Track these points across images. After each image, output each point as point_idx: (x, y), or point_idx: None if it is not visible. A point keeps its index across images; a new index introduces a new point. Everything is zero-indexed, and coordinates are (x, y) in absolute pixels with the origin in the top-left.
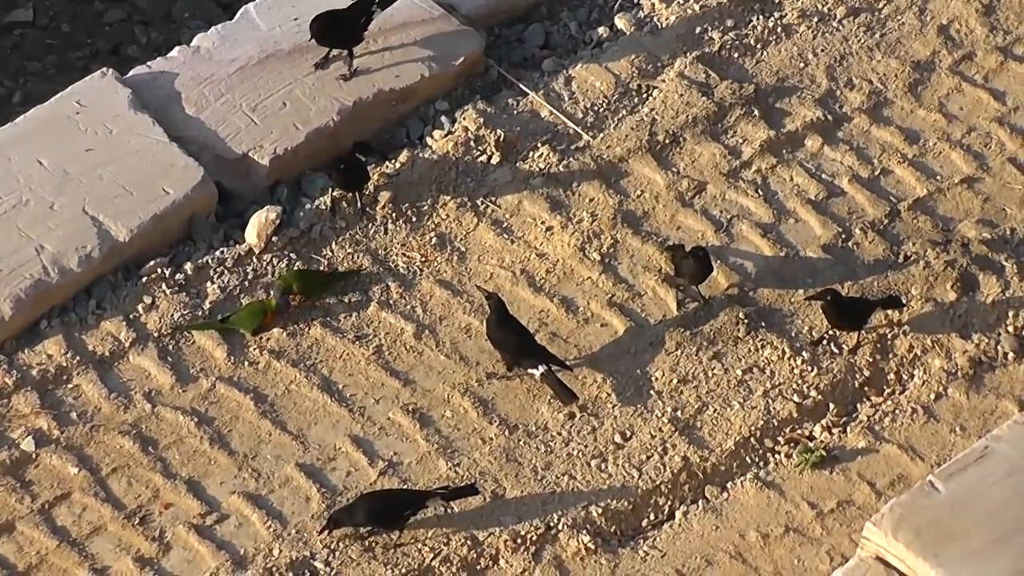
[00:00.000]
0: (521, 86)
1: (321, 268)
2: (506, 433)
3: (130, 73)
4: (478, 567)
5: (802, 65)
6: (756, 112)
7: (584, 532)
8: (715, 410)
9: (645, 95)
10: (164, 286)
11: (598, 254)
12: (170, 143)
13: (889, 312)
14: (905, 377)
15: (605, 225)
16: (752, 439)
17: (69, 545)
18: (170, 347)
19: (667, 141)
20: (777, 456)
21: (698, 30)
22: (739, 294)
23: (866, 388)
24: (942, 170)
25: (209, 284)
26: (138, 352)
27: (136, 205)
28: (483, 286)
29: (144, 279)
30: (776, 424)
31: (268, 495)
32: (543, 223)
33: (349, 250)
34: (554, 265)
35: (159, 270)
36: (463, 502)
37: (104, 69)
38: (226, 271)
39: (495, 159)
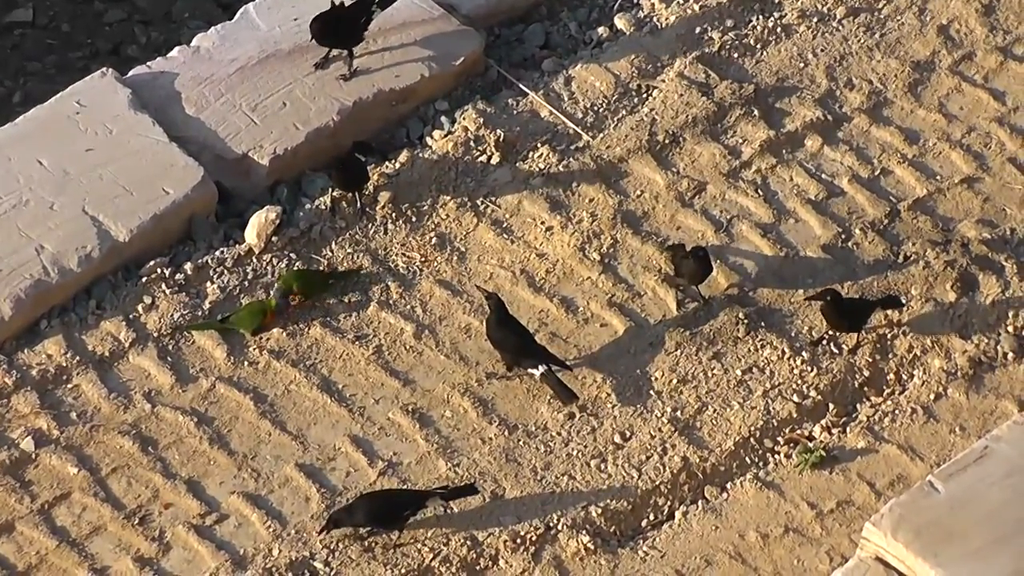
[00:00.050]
0: (521, 86)
1: (321, 268)
2: (506, 433)
3: (130, 73)
4: (478, 567)
5: (802, 65)
6: (756, 112)
7: (584, 532)
8: (715, 410)
9: (645, 95)
10: (164, 286)
11: (598, 254)
12: (170, 143)
13: (889, 312)
14: (905, 377)
15: (605, 225)
16: (752, 439)
17: (69, 545)
18: (170, 347)
19: (667, 141)
20: (777, 456)
21: (698, 30)
22: (739, 294)
23: (866, 388)
24: (942, 170)
25: (209, 284)
26: (138, 352)
27: (136, 205)
28: (483, 286)
29: (144, 279)
30: (776, 424)
31: (268, 495)
32: (543, 223)
33: (349, 250)
34: (554, 265)
35: (159, 270)
36: (463, 502)
37: (104, 69)
38: (226, 271)
39: (495, 159)
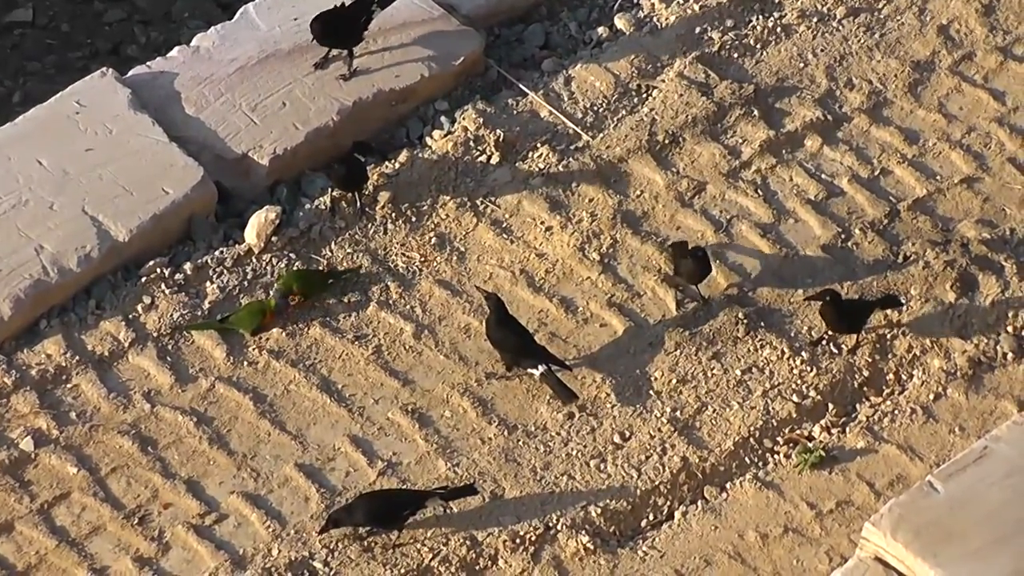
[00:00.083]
0: (521, 86)
1: (321, 268)
2: (505, 433)
3: (130, 73)
4: (477, 567)
5: (802, 65)
6: (756, 112)
7: (583, 532)
8: (714, 410)
9: (645, 95)
10: (163, 286)
11: (597, 254)
12: (170, 143)
13: (888, 312)
14: (904, 377)
15: (604, 225)
16: (751, 439)
17: (68, 545)
18: (169, 347)
19: (667, 141)
20: (776, 456)
21: (698, 30)
22: (738, 294)
23: (865, 388)
24: (942, 170)
25: (208, 284)
26: (137, 352)
27: (136, 205)
28: (483, 286)
29: (143, 279)
30: (775, 424)
31: (267, 495)
32: (542, 223)
33: (349, 250)
34: (553, 265)
35: (158, 270)
36: (462, 502)
37: (104, 69)
38: (225, 271)
39: (495, 159)
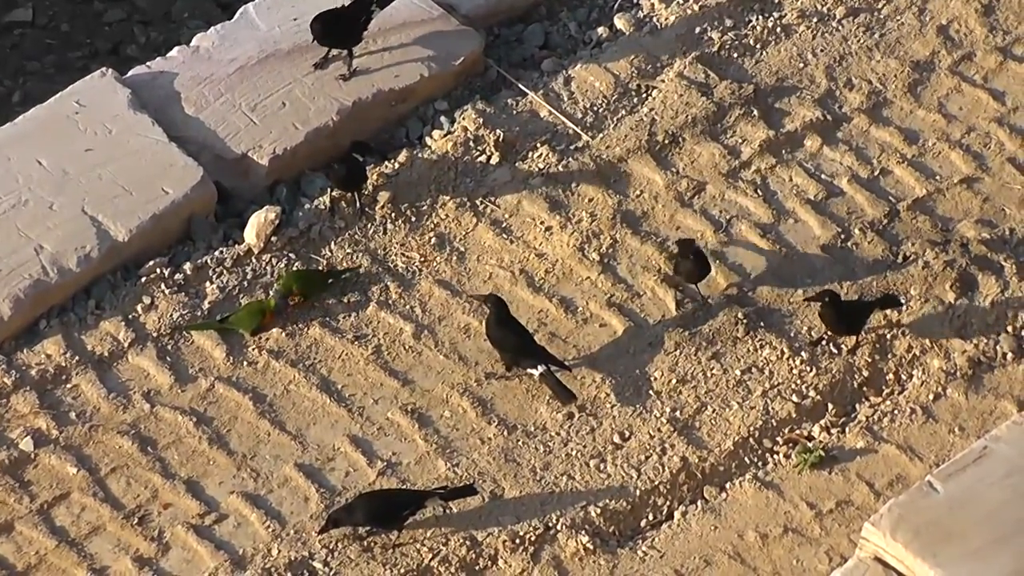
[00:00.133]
0: (520, 86)
1: (320, 268)
2: (505, 433)
3: (129, 73)
4: (477, 567)
5: (801, 65)
6: (755, 112)
7: (583, 532)
8: (714, 410)
9: (644, 95)
10: (163, 286)
11: (597, 254)
12: (169, 143)
13: (888, 312)
14: (904, 377)
15: (604, 225)
16: (751, 439)
17: (68, 545)
18: (169, 347)
19: (666, 141)
20: (776, 456)
21: (697, 30)
22: (738, 294)
23: (865, 388)
24: (941, 170)
25: (208, 284)
26: (137, 352)
27: (135, 205)
28: (480, 291)
29: (143, 279)
30: (775, 424)
31: (267, 495)
32: (542, 223)
33: (348, 250)
34: (553, 265)
35: (158, 270)
36: (462, 502)
37: (103, 69)
38: (225, 271)
39: (494, 159)
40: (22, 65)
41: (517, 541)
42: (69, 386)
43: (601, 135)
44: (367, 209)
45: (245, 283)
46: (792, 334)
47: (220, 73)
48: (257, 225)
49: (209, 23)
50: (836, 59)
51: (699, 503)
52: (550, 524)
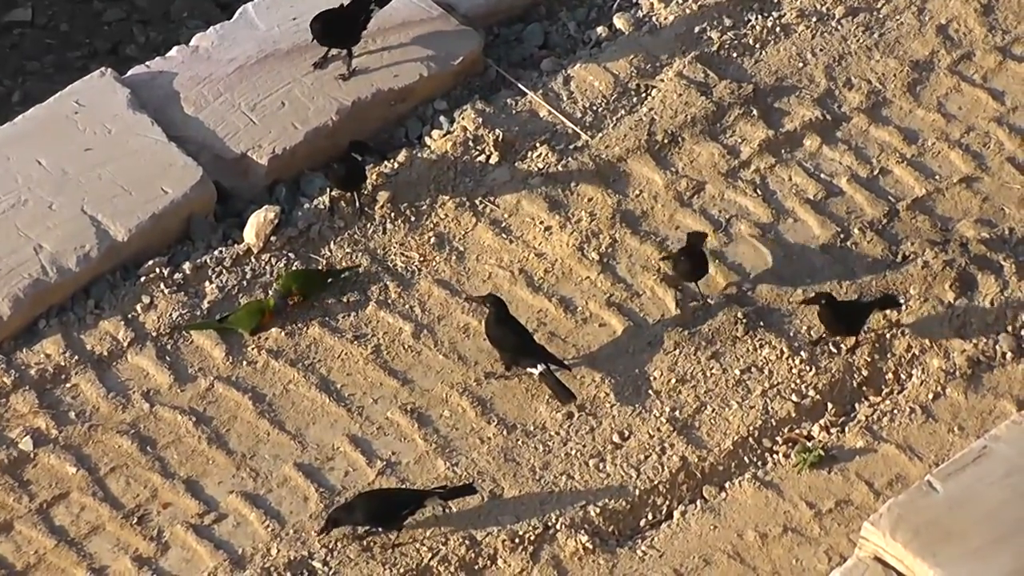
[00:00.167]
0: (520, 86)
1: (320, 268)
2: (504, 433)
3: (129, 73)
4: (476, 567)
5: (801, 65)
6: (755, 112)
7: (582, 532)
8: (713, 410)
9: (644, 95)
10: (163, 286)
11: (597, 254)
12: (169, 143)
13: (887, 312)
14: (903, 377)
15: (604, 225)
16: (750, 439)
17: (67, 545)
18: (168, 347)
19: (666, 141)
20: (775, 456)
21: (697, 30)
22: (737, 294)
23: (864, 388)
24: (941, 170)
25: (207, 284)
26: (136, 352)
27: (135, 205)
28: (479, 290)
29: (143, 279)
30: (774, 424)
31: (266, 495)
32: (542, 223)
33: (348, 250)
34: (553, 265)
35: (157, 270)
36: (461, 502)
37: (103, 69)
38: (224, 271)
39: (494, 159)
40: (21, 65)
41: (516, 541)
42: (68, 386)
43: (600, 135)
44: (366, 209)
45: (244, 283)
46: (792, 334)
47: (219, 73)
48: (256, 225)
49: (208, 23)
50: (835, 59)
51: (698, 503)
52: (549, 524)
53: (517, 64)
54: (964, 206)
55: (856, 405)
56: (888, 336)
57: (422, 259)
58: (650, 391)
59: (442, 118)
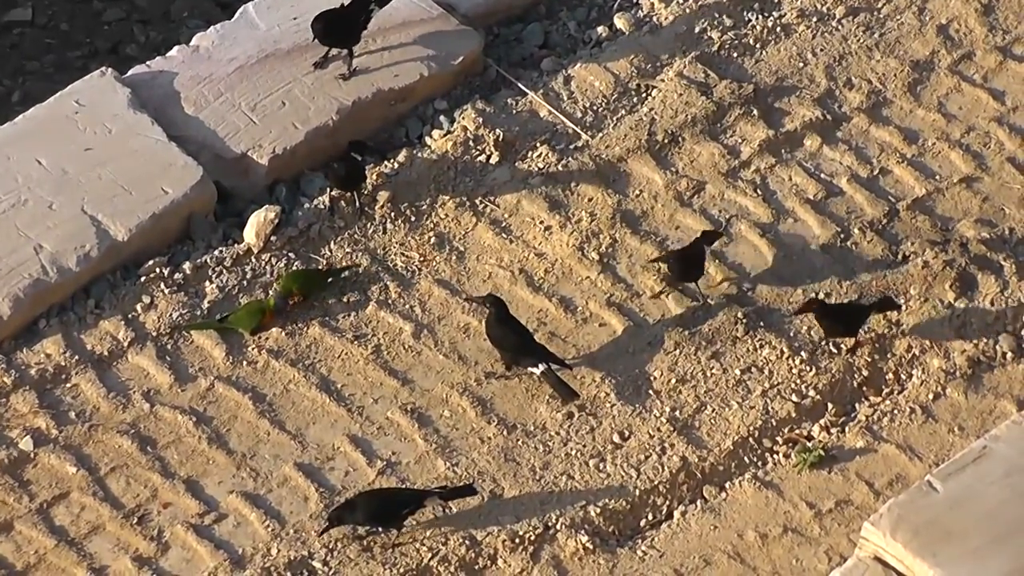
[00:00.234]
0: (520, 86)
1: (320, 268)
2: (504, 433)
3: (129, 72)
4: (476, 567)
5: (801, 65)
6: (755, 112)
7: (582, 532)
8: (713, 410)
9: (644, 95)
10: (163, 285)
11: (597, 254)
12: (169, 142)
13: (887, 313)
14: (903, 377)
15: (604, 225)
16: (750, 439)
17: (67, 544)
18: (168, 347)
19: (666, 141)
20: (775, 456)
21: (697, 30)
22: (738, 294)
23: (864, 388)
24: (941, 170)
25: (208, 283)
26: (137, 351)
27: (135, 204)
28: (479, 290)
29: (143, 278)
30: (774, 424)
31: (266, 494)
32: (542, 223)
33: (348, 249)
34: (553, 265)
35: (158, 269)
36: (461, 502)
37: (103, 68)
38: (225, 271)
39: (494, 159)
40: (21, 65)
41: (516, 541)
42: (69, 385)
43: (601, 134)
44: (366, 209)
45: (245, 282)
46: (792, 334)
47: (220, 72)
48: (257, 224)
49: (209, 22)
50: (836, 59)
51: (699, 503)
52: (549, 524)
53: (517, 64)
54: (964, 206)
55: (856, 405)
56: (888, 336)
57: (422, 259)
58: (650, 391)
59: (442, 118)
